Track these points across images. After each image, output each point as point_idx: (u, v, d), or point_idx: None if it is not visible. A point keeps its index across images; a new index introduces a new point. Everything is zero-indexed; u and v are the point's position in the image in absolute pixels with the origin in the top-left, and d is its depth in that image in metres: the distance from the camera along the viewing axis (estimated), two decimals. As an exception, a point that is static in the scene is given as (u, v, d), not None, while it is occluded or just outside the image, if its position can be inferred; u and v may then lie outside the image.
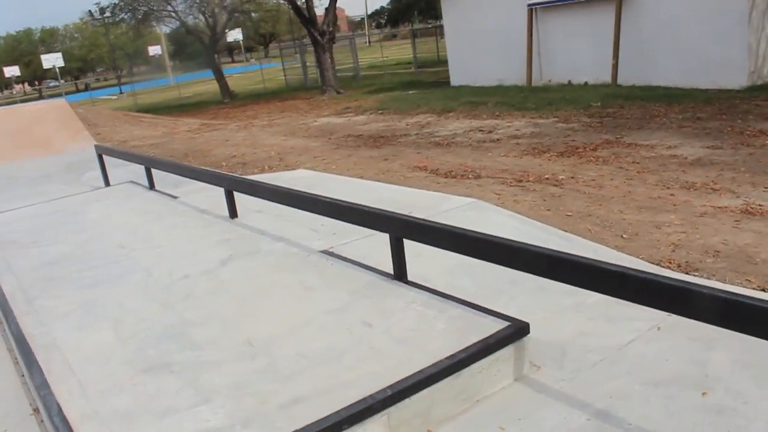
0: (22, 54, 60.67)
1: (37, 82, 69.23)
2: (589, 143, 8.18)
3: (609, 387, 2.78)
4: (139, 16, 27.72)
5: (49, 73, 50.54)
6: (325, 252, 4.36)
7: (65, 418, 2.75)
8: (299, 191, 4.43)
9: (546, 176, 6.73)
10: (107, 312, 3.90)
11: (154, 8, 26.98)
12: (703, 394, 2.63)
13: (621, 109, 10.42)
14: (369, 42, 61.84)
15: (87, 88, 64.55)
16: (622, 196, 5.71)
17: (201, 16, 28.40)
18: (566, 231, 4.72)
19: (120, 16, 28.39)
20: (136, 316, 3.78)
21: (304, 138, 12.57)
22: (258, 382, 2.82)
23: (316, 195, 4.28)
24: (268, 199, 4.80)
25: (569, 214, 5.27)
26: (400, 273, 3.65)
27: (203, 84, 37.61)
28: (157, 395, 2.84)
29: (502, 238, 2.97)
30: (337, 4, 22.14)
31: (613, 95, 11.54)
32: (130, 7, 26.84)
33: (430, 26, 29.16)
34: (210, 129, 16.44)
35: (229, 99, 27.87)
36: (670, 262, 4.12)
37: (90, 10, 30.61)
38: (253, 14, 39.75)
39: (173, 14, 27.79)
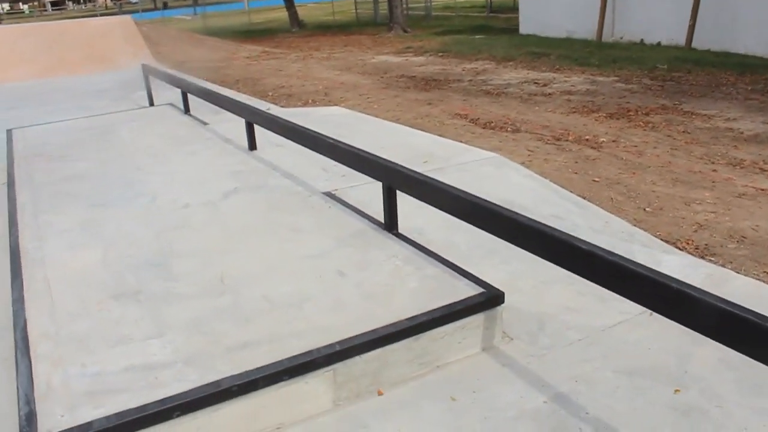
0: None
1: (118, -3, 70.40)
2: (643, 107, 7.73)
3: (579, 370, 2.61)
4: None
5: (129, -11, 51.21)
6: (328, 194, 4.25)
7: (26, 335, 2.77)
8: (306, 129, 4.30)
9: (587, 137, 6.39)
10: (103, 233, 3.90)
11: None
12: (676, 391, 2.44)
13: (688, 74, 9.79)
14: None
15: (165, 7, 65.13)
16: (660, 167, 5.36)
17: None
18: (585, 198, 4.47)
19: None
20: (127, 240, 3.77)
21: (357, 74, 12.36)
22: (216, 320, 2.76)
23: (320, 134, 4.14)
24: (280, 134, 4.70)
25: (597, 179, 4.99)
26: (390, 224, 3.52)
27: (277, 11, 37.31)
28: (118, 323, 2.82)
29: (485, 200, 2.78)
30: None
31: (682, 58, 10.85)
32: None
33: (509, -31, 27.86)
34: (269, 57, 16.37)
35: (297, 28, 27.63)
36: (688, 243, 3.85)
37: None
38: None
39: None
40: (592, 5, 14.35)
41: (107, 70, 13.31)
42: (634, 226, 4.01)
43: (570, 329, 2.90)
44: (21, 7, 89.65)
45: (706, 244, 3.84)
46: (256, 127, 5.30)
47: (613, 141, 6.23)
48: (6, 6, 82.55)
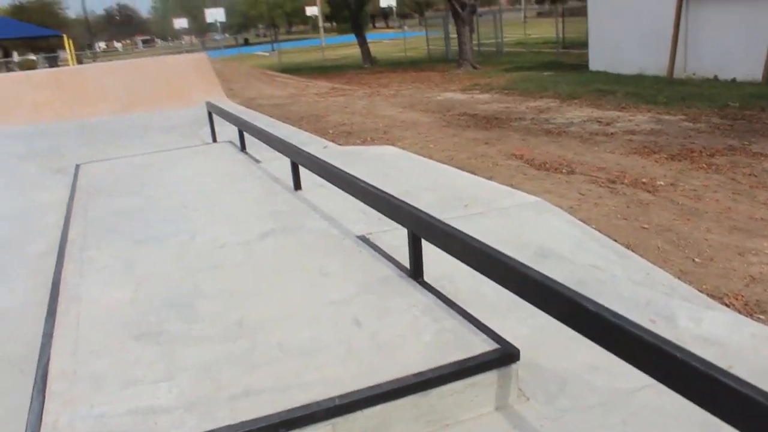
0: (192, 7, 64.73)
1: (203, 35, 73.86)
2: (709, 147, 7.40)
3: (594, 436, 2.46)
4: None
5: (213, 27, 53.45)
6: (362, 237, 4.22)
7: (46, 372, 2.84)
8: (341, 171, 4.30)
9: (643, 180, 6.16)
10: (138, 271, 4.00)
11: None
12: (697, 467, 2.25)
13: (761, 112, 9.35)
14: (525, 17, 60.07)
15: (246, 43, 67.63)
16: (718, 213, 5.10)
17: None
18: (629, 246, 4.28)
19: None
20: (160, 279, 3.84)
21: (420, 112, 12.39)
22: (226, 366, 2.75)
23: (353, 177, 4.12)
24: (319, 175, 4.73)
25: (646, 226, 4.78)
26: (415, 271, 3.45)
27: (351, 47, 38.11)
28: (133, 364, 2.85)
29: (500, 252, 2.68)
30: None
31: (757, 95, 10.38)
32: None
33: (582, 4, 27.56)
34: (337, 94, 16.65)
35: (369, 65, 28.10)
36: (736, 299, 3.62)
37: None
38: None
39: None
40: (664, 40, 13.98)
41: (180, 107, 13.84)
42: (678, 278, 3.80)
43: (591, 391, 2.74)
44: (115, 45, 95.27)
45: (756, 300, 3.59)
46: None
47: (671, 184, 5.98)
48: (102, 45, 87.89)
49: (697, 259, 4.16)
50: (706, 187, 5.86)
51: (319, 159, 4.73)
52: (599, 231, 4.51)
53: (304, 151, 5.14)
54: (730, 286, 3.78)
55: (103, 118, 13.43)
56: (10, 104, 14.74)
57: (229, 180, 6.10)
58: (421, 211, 3.33)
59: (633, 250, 4.20)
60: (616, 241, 4.33)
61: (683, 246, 4.39)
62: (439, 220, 3.15)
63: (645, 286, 3.60)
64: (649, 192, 5.76)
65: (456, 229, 3.00)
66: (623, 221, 4.90)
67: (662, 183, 6.04)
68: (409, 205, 3.45)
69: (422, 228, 3.27)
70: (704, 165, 6.68)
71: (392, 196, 3.63)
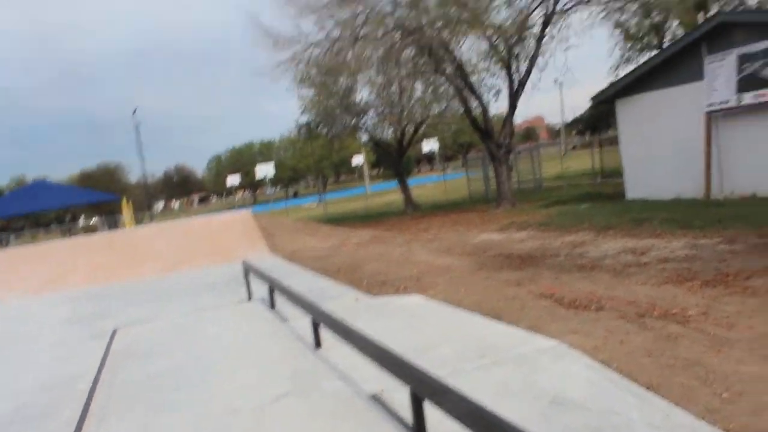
0: (243, 164, 68.49)
1: (254, 189, 77.68)
2: (745, 269, 7.21)
3: None
4: (334, 131, 30.01)
5: (263, 181, 56.12)
6: (374, 397, 4.17)
7: None
8: (354, 330, 4.33)
9: (674, 311, 6.00)
10: (151, 443, 4.00)
11: (345, 124, 29.04)
12: None
13: (801, 229, 9.14)
14: (564, 150, 61.33)
15: (295, 195, 70.43)
16: (752, 340, 4.89)
17: (389, 130, 29.95)
18: (651, 386, 4.11)
19: (317, 131, 31.04)
20: (171, 451, 3.84)
21: (456, 256, 12.46)
22: None
23: (364, 337, 4.14)
24: (337, 334, 4.76)
25: (672, 362, 4.60)
26: (419, 434, 3.37)
27: (396, 193, 39.22)
28: None
29: (492, 415, 2.62)
30: (539, 113, 22.33)
31: (796, 212, 10.19)
32: (325, 123, 29.23)
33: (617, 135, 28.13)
34: (376, 242, 16.94)
35: (411, 210, 28.68)
36: (767, 442, 3.39)
37: (296, 125, 33.71)
38: (452, 126, 41.32)
39: (363, 128, 29.72)
40: (697, 163, 14.02)
41: (224, 263, 14.28)
42: (703, 417, 3.60)
43: None
44: (172, 205, 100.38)
45: (790, 442, 3.37)
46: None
47: (703, 313, 5.80)
48: (161, 204, 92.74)
49: (724, 395, 3.96)
50: (740, 314, 5.66)
51: (335, 318, 4.79)
52: (620, 372, 4.37)
53: (322, 310, 5.22)
54: (762, 424, 3.56)
55: (151, 278, 13.94)
56: (67, 269, 15.53)
57: (254, 340, 6.18)
58: (419, 370, 3.30)
59: (655, 390, 4.03)
60: (636, 381, 4.17)
61: (711, 381, 4.19)
62: (435, 380, 3.11)
63: (663, 430, 3.43)
64: (679, 323, 5.59)
65: (450, 388, 2.96)
66: (648, 359, 4.73)
67: (693, 313, 5.87)
68: (410, 364, 3.43)
69: (422, 387, 3.23)
70: (739, 289, 6.48)
71: (395, 355, 3.62)
